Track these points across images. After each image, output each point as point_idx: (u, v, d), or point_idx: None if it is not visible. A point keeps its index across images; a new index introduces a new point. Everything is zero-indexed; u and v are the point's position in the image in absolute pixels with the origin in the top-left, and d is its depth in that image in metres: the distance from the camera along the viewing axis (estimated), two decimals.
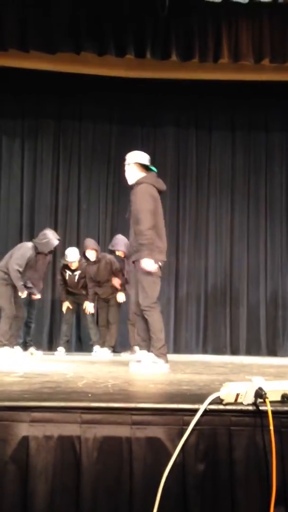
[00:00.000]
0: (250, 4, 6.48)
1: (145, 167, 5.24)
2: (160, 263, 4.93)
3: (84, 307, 8.00)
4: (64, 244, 9.01)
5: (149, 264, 4.77)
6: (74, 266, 8.02)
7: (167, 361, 4.91)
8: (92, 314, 8.07)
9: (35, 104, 9.25)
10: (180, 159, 9.54)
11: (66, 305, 8.23)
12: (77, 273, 8.04)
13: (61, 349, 8.02)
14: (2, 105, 9.14)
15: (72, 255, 7.97)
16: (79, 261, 8.03)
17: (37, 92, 9.13)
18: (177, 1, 6.52)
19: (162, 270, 5.05)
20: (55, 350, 8.13)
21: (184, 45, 7.45)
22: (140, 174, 5.16)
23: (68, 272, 8.10)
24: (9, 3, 6.87)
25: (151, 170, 5.25)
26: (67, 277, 8.12)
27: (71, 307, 8.24)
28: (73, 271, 8.07)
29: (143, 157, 5.25)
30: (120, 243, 7.77)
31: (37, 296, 7.64)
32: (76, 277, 8.06)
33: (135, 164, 5.22)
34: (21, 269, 7.00)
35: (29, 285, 7.27)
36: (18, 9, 7.06)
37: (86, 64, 8.12)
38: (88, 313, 7.96)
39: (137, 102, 9.23)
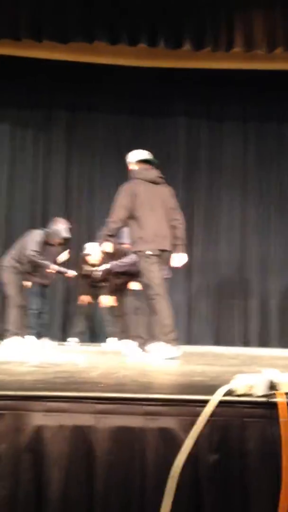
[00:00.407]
0: None
1: (145, 162, 5.49)
2: (150, 252, 5.07)
3: (100, 299, 7.99)
4: (76, 234, 9.04)
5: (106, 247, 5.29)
6: (92, 261, 8.00)
7: (177, 347, 4.95)
8: (110, 306, 8.05)
9: (47, 94, 9.26)
10: (192, 150, 9.52)
11: (83, 298, 8.24)
12: (96, 268, 8.00)
13: (74, 340, 8.06)
14: (14, 96, 9.16)
15: (90, 249, 7.97)
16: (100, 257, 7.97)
17: (49, 83, 9.14)
18: None
19: (162, 258, 5.15)
20: (68, 340, 8.17)
21: (196, 34, 7.42)
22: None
23: (87, 267, 8.07)
24: None
25: (150, 162, 5.46)
26: (86, 272, 8.11)
27: (88, 300, 8.25)
28: (92, 265, 8.05)
29: (139, 154, 5.53)
30: (124, 235, 7.77)
31: (71, 273, 7.69)
32: (96, 272, 8.02)
33: (134, 163, 5.49)
34: (39, 253, 7.01)
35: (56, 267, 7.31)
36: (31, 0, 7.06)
37: (98, 54, 8.13)
38: (104, 305, 7.94)
39: (149, 92, 9.22)
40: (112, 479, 2.51)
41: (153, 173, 5.43)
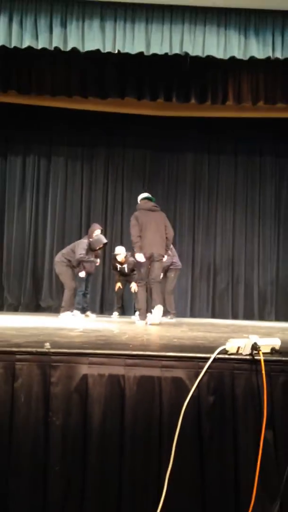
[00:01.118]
0: (249, 60, 6.35)
1: (145, 198, 6.17)
2: (147, 254, 5.81)
3: (131, 286, 7.96)
4: (111, 240, 9.10)
5: (139, 256, 5.83)
6: (119, 258, 8.00)
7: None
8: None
9: (90, 136, 9.26)
10: (196, 177, 9.46)
11: (118, 285, 8.24)
12: (125, 265, 8.00)
13: (115, 314, 8.03)
14: (68, 137, 9.18)
15: (119, 251, 7.99)
16: (126, 257, 7.95)
17: (92, 128, 9.13)
18: (195, 59, 6.43)
19: (151, 257, 5.85)
20: (105, 313, 8.16)
21: (200, 91, 7.38)
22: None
23: (118, 264, 8.09)
24: (73, 60, 6.87)
25: (148, 198, 6.17)
26: (117, 267, 8.12)
27: (122, 287, 8.24)
28: (121, 263, 8.04)
29: (142, 195, 6.30)
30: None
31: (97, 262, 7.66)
32: (125, 268, 8.03)
33: (140, 200, 6.20)
34: (85, 255, 7.05)
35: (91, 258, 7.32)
36: (80, 64, 7.05)
37: (128, 107, 8.09)
38: (134, 291, 7.85)
39: (165, 134, 9.19)
40: (138, 413, 2.51)
41: (149, 204, 6.04)
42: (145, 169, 9.40)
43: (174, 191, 9.40)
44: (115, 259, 8.07)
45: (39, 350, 2.58)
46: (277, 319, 8.76)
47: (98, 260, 7.66)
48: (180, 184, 9.37)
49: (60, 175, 9.21)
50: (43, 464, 2.47)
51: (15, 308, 8.43)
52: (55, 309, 8.65)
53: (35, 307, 8.58)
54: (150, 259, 5.85)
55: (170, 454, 2.41)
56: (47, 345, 2.66)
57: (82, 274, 7.53)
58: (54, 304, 8.77)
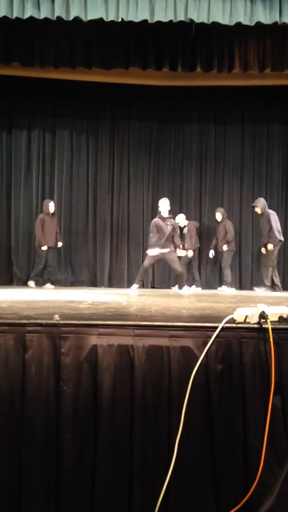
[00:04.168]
0: (256, 26, 6.16)
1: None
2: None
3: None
4: (117, 213, 9.08)
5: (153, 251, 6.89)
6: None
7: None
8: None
9: (95, 108, 9.12)
10: (203, 148, 9.31)
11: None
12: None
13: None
14: (72, 110, 9.04)
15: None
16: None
17: (97, 99, 8.98)
18: (200, 26, 6.25)
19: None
20: (114, 286, 8.20)
21: (206, 60, 7.19)
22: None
23: None
24: (76, 30, 6.70)
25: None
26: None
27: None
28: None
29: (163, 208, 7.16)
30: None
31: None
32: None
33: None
34: None
35: None
36: (83, 34, 6.88)
37: (133, 77, 7.91)
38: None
39: (170, 105, 9.02)
40: (147, 382, 2.54)
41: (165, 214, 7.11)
42: (151, 141, 9.27)
43: (181, 162, 9.29)
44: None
45: (49, 322, 2.60)
46: (285, 289, 8.74)
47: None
48: (186, 155, 9.25)
49: (65, 149, 9.12)
50: (55, 433, 2.52)
51: (24, 282, 8.48)
52: (64, 283, 8.71)
53: (44, 281, 8.64)
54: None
55: (180, 421, 2.45)
56: (56, 316, 2.68)
57: (44, 247, 7.94)
58: (63, 277, 8.81)
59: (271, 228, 7.69)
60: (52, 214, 8.10)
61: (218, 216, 8.45)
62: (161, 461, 2.49)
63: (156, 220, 7.15)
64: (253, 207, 8.07)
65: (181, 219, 8.42)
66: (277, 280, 7.88)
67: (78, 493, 2.50)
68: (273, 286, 7.86)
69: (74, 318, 2.78)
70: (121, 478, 2.50)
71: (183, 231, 8.44)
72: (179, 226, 7.94)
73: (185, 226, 8.51)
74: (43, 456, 2.52)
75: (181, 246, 7.36)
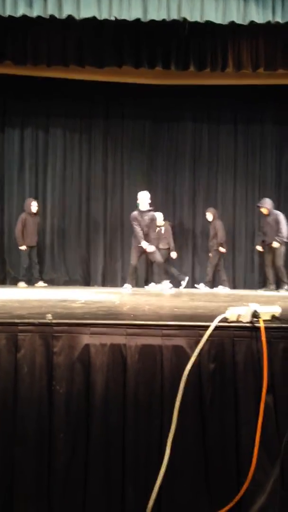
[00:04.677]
0: (249, 25, 6.17)
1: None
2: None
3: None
4: (111, 212, 9.06)
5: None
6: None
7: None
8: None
9: (89, 107, 9.08)
10: (196, 146, 9.31)
11: None
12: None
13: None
14: (65, 109, 9.01)
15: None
16: None
17: (90, 98, 8.95)
18: (194, 25, 6.25)
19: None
20: (107, 285, 8.19)
21: (199, 58, 7.18)
22: None
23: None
24: (69, 28, 6.68)
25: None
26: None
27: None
28: None
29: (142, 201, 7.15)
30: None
31: None
32: None
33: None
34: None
35: None
36: (76, 33, 6.86)
37: (126, 75, 7.89)
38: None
39: (164, 104, 9.01)
40: (140, 381, 2.54)
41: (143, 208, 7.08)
42: (144, 140, 9.25)
43: (174, 161, 9.29)
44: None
45: (41, 321, 2.59)
46: (278, 288, 8.76)
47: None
48: (180, 154, 9.24)
49: (58, 148, 9.08)
50: (47, 432, 2.52)
51: (17, 281, 8.46)
52: (57, 282, 8.69)
53: (35, 280, 8.60)
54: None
55: (172, 420, 2.45)
56: (49, 316, 2.67)
57: (23, 247, 7.98)
58: (56, 276, 8.79)
59: (279, 228, 7.72)
60: (35, 214, 8.08)
61: (209, 216, 8.40)
62: (154, 460, 2.49)
63: (135, 213, 7.11)
64: (259, 207, 8.06)
65: (158, 218, 8.05)
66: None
67: (70, 492, 2.49)
68: (266, 286, 7.93)
69: (66, 317, 2.77)
70: (113, 477, 2.50)
71: (161, 231, 8.27)
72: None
73: (162, 226, 8.30)
74: (35, 455, 2.51)
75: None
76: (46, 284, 8.00)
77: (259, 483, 2.44)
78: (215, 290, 8.17)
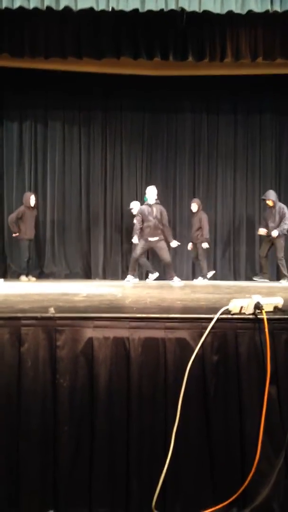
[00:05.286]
0: (247, 15, 6.11)
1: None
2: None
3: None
4: (111, 205, 9.04)
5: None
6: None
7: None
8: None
9: (87, 99, 9.03)
10: (195, 138, 9.26)
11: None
12: None
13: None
14: (64, 101, 8.95)
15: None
16: None
17: (88, 90, 8.89)
18: (192, 15, 6.19)
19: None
20: (108, 278, 8.18)
21: (197, 49, 7.12)
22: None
23: None
24: (66, 20, 6.62)
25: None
26: None
27: None
28: None
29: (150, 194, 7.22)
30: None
31: None
32: None
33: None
34: None
35: None
36: (74, 24, 6.80)
37: (124, 67, 7.83)
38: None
39: (162, 95, 8.95)
40: (143, 374, 2.54)
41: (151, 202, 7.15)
42: (143, 132, 9.21)
43: (173, 153, 9.25)
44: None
45: (44, 315, 2.59)
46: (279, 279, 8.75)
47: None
48: (179, 145, 9.21)
49: (57, 140, 9.04)
50: (52, 426, 2.52)
51: (18, 275, 8.45)
52: (58, 275, 8.69)
53: (38, 274, 8.60)
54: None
55: (176, 413, 2.45)
56: (52, 309, 2.66)
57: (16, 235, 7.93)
58: (57, 270, 8.79)
59: (282, 220, 7.69)
60: (33, 207, 8.04)
61: (194, 207, 8.17)
62: (158, 453, 2.50)
63: (143, 207, 7.14)
64: (264, 200, 8.02)
65: (135, 206, 8.11)
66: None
67: (75, 486, 2.50)
68: (260, 274, 7.96)
69: (69, 311, 2.77)
70: (118, 470, 2.51)
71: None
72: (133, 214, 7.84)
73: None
74: (40, 449, 2.52)
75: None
76: (34, 279, 7.95)
77: (263, 473, 2.45)
78: (195, 281, 8.05)
